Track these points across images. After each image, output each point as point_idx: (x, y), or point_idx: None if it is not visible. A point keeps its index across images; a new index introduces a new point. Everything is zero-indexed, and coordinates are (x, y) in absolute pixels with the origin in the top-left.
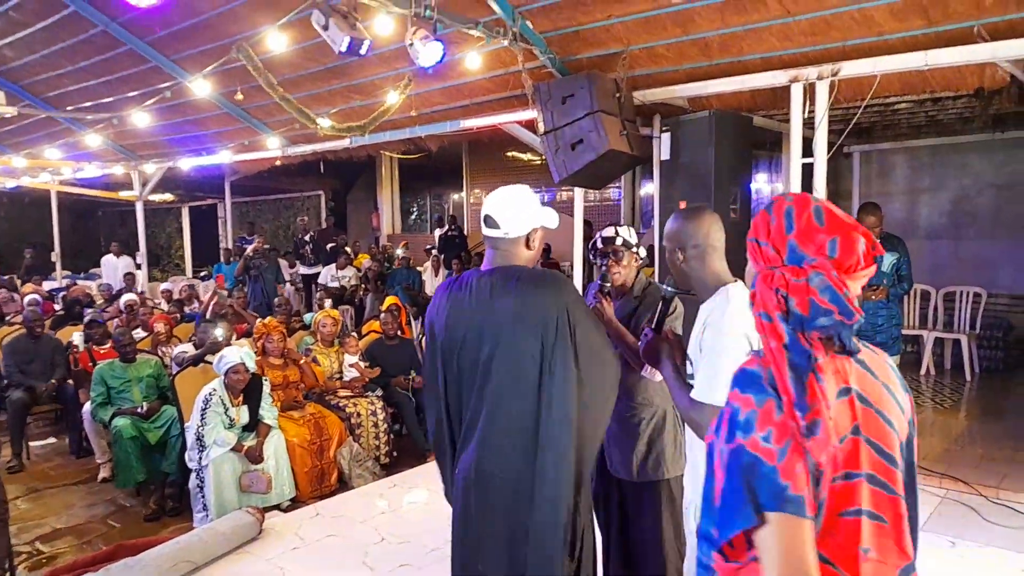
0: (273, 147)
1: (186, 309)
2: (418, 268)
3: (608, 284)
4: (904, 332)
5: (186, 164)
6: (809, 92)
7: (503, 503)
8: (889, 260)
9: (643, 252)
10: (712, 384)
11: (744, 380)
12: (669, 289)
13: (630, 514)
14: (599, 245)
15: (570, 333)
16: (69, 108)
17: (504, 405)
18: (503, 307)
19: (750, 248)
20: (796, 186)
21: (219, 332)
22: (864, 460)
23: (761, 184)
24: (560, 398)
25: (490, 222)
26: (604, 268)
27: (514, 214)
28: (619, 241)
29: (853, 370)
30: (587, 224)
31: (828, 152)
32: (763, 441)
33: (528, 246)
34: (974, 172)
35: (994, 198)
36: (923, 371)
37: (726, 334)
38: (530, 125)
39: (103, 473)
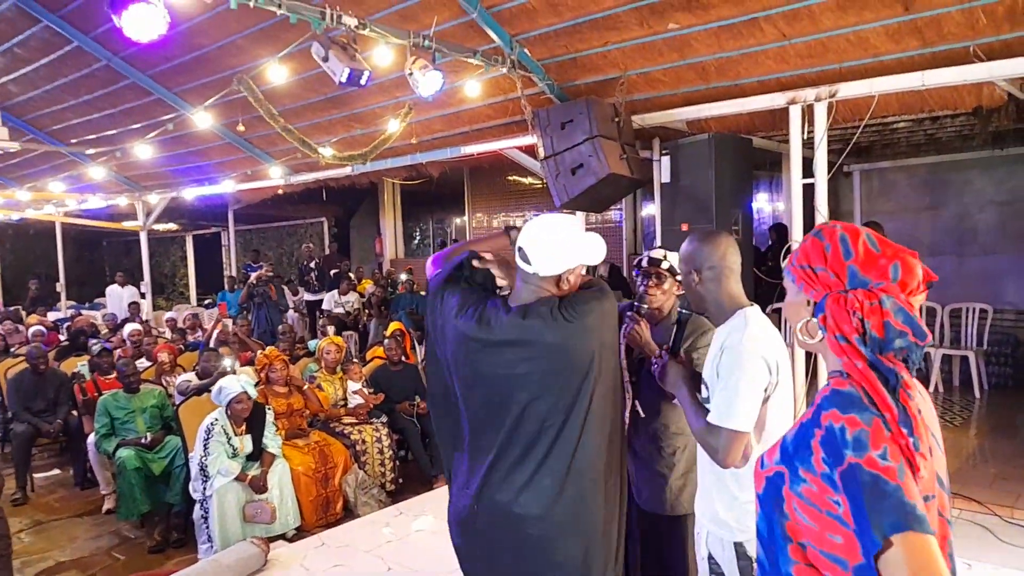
0: (276, 176)
1: (190, 338)
2: (421, 292)
3: (645, 306)
4: None
5: (189, 194)
6: (807, 113)
7: (532, 546)
8: None
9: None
10: (730, 408)
11: (840, 400)
12: (683, 311)
13: (655, 547)
14: (644, 264)
15: (597, 374)
16: (73, 141)
17: (540, 447)
18: (535, 348)
19: (800, 275)
20: (797, 207)
21: (227, 362)
22: (932, 483)
23: (762, 204)
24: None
25: (523, 255)
26: (643, 289)
27: (549, 253)
28: (665, 265)
29: (916, 391)
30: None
31: (828, 172)
32: (880, 459)
33: (559, 286)
34: (975, 189)
35: (996, 214)
36: (931, 388)
37: (745, 358)
38: (530, 150)
39: (107, 504)
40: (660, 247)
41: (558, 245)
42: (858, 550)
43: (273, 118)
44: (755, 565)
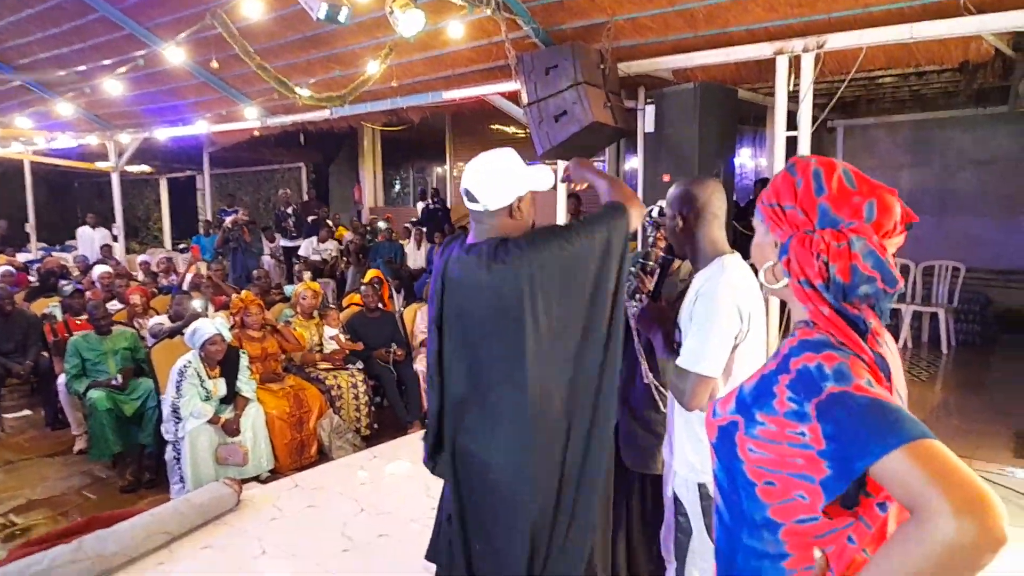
0: (251, 117)
1: (163, 281)
2: (400, 241)
3: (651, 262)
4: None
5: (162, 134)
6: (794, 65)
7: (497, 493)
8: None
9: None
10: (699, 353)
11: (811, 345)
12: (665, 256)
13: (649, 505)
14: (655, 215)
15: (531, 308)
16: (40, 76)
17: (492, 388)
18: (484, 284)
19: (768, 213)
20: (780, 160)
21: (198, 304)
22: None
23: (745, 159)
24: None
25: (469, 196)
26: (652, 241)
27: (493, 185)
28: None
29: (886, 342)
30: (575, 199)
31: (812, 126)
32: (870, 387)
33: (512, 216)
34: (956, 148)
35: (976, 174)
36: (900, 344)
37: (718, 304)
38: (513, 97)
39: (79, 445)
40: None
41: (500, 174)
42: (822, 464)
43: (248, 55)
44: None
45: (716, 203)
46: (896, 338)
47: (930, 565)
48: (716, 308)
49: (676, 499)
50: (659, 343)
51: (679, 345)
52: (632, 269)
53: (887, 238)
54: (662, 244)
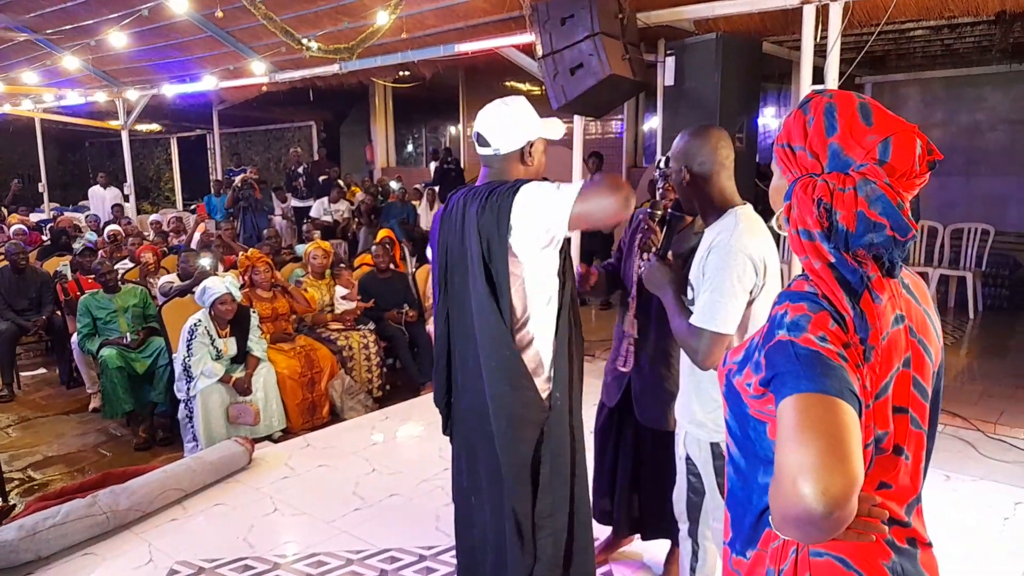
0: (259, 72)
1: (174, 241)
2: (413, 202)
3: (659, 212)
4: (909, 269)
5: (170, 91)
6: (822, 15)
7: (478, 439)
8: None
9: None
10: (713, 309)
11: (794, 295)
12: (673, 212)
13: (652, 462)
14: (662, 165)
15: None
16: (48, 32)
17: (470, 331)
18: (469, 224)
19: (780, 155)
20: None
21: (205, 261)
22: (908, 396)
23: (768, 119)
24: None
25: (480, 140)
26: (661, 192)
27: (505, 128)
28: None
29: (902, 296)
30: (597, 156)
31: (840, 80)
32: (820, 341)
33: (524, 161)
34: (989, 106)
35: (1008, 133)
36: None
37: (731, 259)
38: (528, 49)
39: (93, 403)
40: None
41: (512, 116)
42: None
43: (254, 5)
44: None
45: (723, 152)
46: None
47: (779, 515)
48: (729, 262)
49: (688, 459)
50: (669, 303)
51: (691, 303)
52: (643, 224)
53: (905, 179)
54: (672, 196)
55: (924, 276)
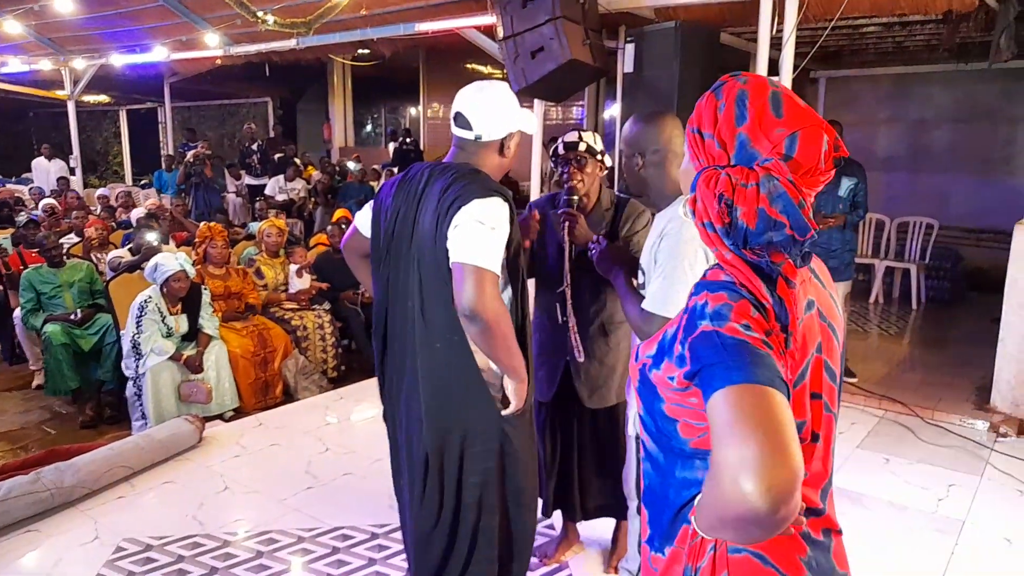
0: (213, 45)
1: (122, 216)
2: (371, 183)
3: (576, 197)
4: (857, 261)
5: (118, 61)
6: (778, 7)
7: (411, 429)
8: (847, 185)
9: (608, 161)
10: (665, 295)
11: (711, 284)
12: (622, 195)
13: (595, 438)
14: (560, 151)
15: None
16: None
17: (410, 312)
18: (426, 199)
19: (689, 140)
20: None
21: (151, 236)
22: (821, 382)
23: None
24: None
25: (461, 121)
26: (566, 177)
27: (492, 113)
28: (582, 147)
29: (812, 282)
30: (555, 141)
31: (794, 71)
32: (744, 330)
33: (502, 153)
34: (935, 104)
35: (952, 131)
36: (872, 299)
37: (683, 246)
38: (489, 31)
39: (37, 380)
40: (573, 128)
41: (501, 103)
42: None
43: None
44: None
45: (676, 140)
46: (868, 293)
47: (716, 517)
48: (681, 249)
49: (638, 439)
50: (620, 286)
51: (642, 287)
52: (563, 216)
53: (809, 176)
54: (578, 178)
55: (870, 268)
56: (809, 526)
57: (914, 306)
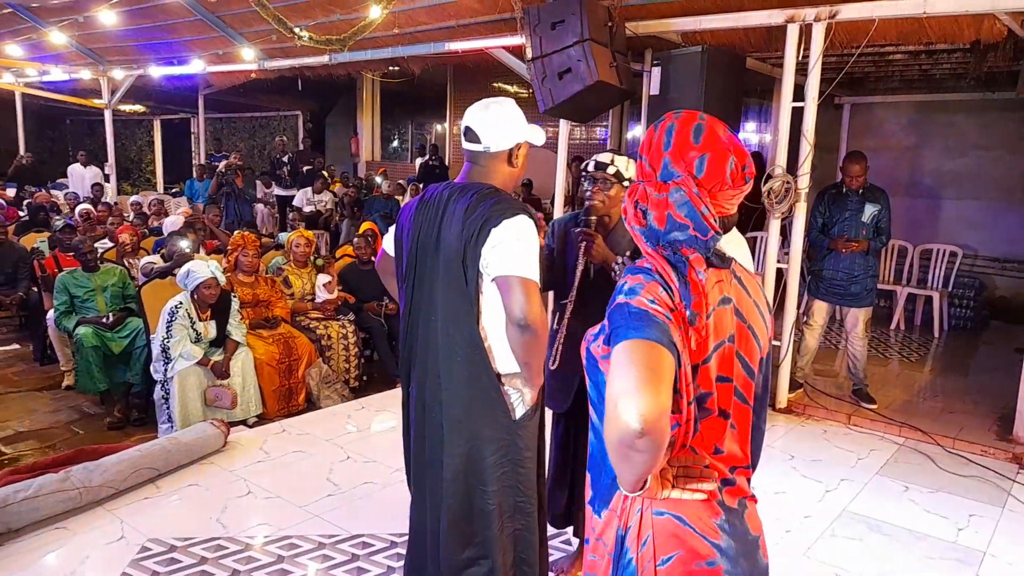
0: (249, 59)
1: (154, 223)
2: (396, 197)
3: (593, 217)
4: (879, 287)
5: (156, 72)
6: (805, 34)
7: (432, 437)
8: (870, 211)
9: None
10: None
11: (633, 270)
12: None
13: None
14: (590, 168)
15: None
16: (34, 4)
17: (433, 326)
18: (448, 219)
19: (637, 163)
20: (784, 131)
21: (184, 243)
22: (732, 369)
23: (749, 132)
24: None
25: (470, 135)
26: (587, 196)
27: (498, 126)
28: (611, 170)
29: (733, 284)
30: (579, 160)
31: (819, 99)
32: (649, 303)
33: (511, 162)
34: (961, 132)
35: (978, 159)
36: (893, 326)
37: None
38: (518, 51)
39: (67, 381)
40: (609, 150)
41: (505, 116)
42: None
43: None
44: None
45: None
46: (889, 319)
47: (608, 443)
48: None
49: None
50: None
51: None
52: (581, 236)
53: (719, 191)
54: (599, 197)
55: (892, 294)
56: (725, 493)
57: (936, 334)
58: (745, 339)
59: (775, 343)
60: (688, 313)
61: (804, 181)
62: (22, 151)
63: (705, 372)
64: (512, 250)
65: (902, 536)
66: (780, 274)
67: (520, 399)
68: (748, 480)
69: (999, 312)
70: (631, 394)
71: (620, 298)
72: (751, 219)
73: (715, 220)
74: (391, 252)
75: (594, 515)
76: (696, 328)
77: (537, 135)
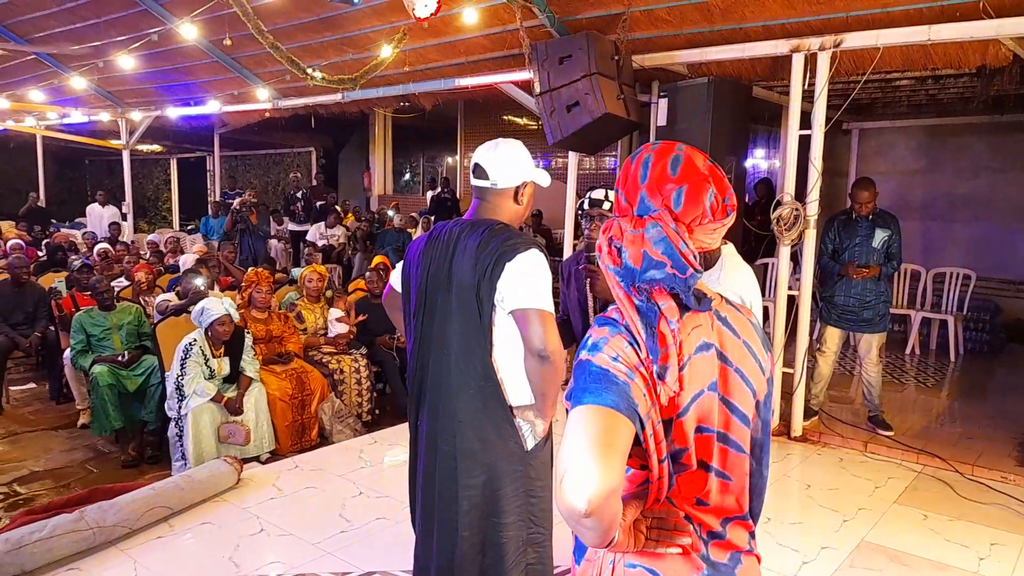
0: (263, 99)
1: (169, 261)
2: (408, 231)
3: (595, 254)
4: (892, 311)
5: (173, 113)
6: (810, 63)
7: (444, 470)
8: (881, 237)
9: None
10: None
11: (601, 321)
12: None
13: None
14: (585, 206)
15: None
16: (55, 51)
17: (446, 359)
18: (460, 255)
19: (615, 198)
20: (792, 158)
21: (199, 281)
22: (717, 418)
23: (758, 160)
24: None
25: (479, 172)
26: (586, 233)
27: (505, 163)
28: (606, 205)
29: (715, 327)
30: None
31: (827, 125)
32: (612, 360)
33: (517, 200)
34: (971, 154)
35: (989, 181)
36: (908, 350)
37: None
38: (526, 86)
39: (83, 419)
40: (602, 186)
41: (513, 155)
42: None
43: (262, 34)
44: None
45: None
46: (904, 344)
47: (559, 509)
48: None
49: None
50: None
51: None
52: (585, 272)
53: (698, 225)
54: (596, 235)
55: (906, 318)
56: (712, 547)
57: (952, 358)
58: (732, 384)
59: (788, 371)
60: (656, 368)
61: (813, 208)
62: (41, 192)
63: (680, 426)
64: (527, 283)
65: (923, 567)
66: (792, 301)
67: (531, 431)
68: (749, 532)
69: (1016, 335)
70: (579, 472)
71: (583, 354)
72: (762, 246)
73: (695, 257)
74: (398, 288)
75: (575, 562)
76: (665, 382)
77: (543, 177)
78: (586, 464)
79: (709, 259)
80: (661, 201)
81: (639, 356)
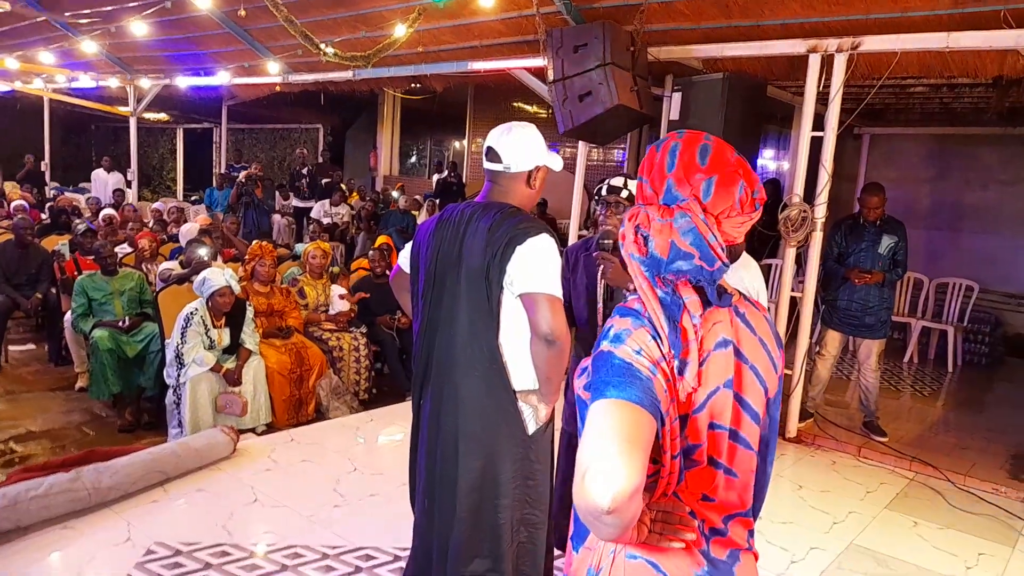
0: (274, 72)
1: (172, 230)
2: (412, 212)
3: (608, 241)
4: (893, 319)
5: (183, 83)
6: (827, 64)
7: (445, 451)
8: (887, 243)
9: None
10: None
11: (623, 311)
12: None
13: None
14: (603, 192)
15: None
16: (67, 15)
17: (452, 340)
18: (471, 237)
19: (637, 186)
20: (803, 159)
21: (203, 251)
22: (730, 415)
23: (767, 161)
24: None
25: (492, 155)
26: (602, 220)
27: (519, 147)
28: (624, 193)
29: (734, 323)
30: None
31: (839, 129)
32: (635, 354)
33: (530, 184)
34: (981, 165)
35: (998, 193)
36: (906, 359)
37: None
38: (539, 73)
39: (80, 382)
40: (622, 174)
41: (527, 139)
42: None
43: (276, 7)
44: None
45: None
46: (903, 352)
47: (577, 507)
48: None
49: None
50: None
51: None
52: (598, 258)
53: (726, 217)
54: (612, 222)
55: (906, 327)
56: (713, 544)
57: (950, 368)
58: (746, 381)
59: (786, 372)
60: (676, 363)
61: (821, 210)
62: (47, 156)
63: (695, 423)
64: (537, 268)
65: (910, 572)
66: (794, 303)
67: (533, 415)
68: (749, 530)
69: (1015, 349)
70: (603, 467)
71: (605, 344)
72: (767, 246)
73: (722, 250)
74: (407, 269)
75: (572, 551)
76: (685, 378)
77: (556, 161)
78: (612, 460)
79: (734, 252)
80: (690, 191)
81: (661, 350)
